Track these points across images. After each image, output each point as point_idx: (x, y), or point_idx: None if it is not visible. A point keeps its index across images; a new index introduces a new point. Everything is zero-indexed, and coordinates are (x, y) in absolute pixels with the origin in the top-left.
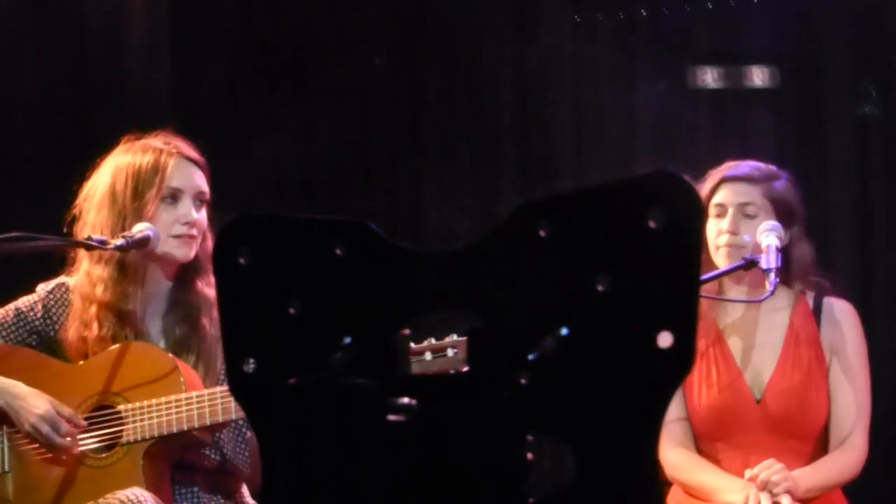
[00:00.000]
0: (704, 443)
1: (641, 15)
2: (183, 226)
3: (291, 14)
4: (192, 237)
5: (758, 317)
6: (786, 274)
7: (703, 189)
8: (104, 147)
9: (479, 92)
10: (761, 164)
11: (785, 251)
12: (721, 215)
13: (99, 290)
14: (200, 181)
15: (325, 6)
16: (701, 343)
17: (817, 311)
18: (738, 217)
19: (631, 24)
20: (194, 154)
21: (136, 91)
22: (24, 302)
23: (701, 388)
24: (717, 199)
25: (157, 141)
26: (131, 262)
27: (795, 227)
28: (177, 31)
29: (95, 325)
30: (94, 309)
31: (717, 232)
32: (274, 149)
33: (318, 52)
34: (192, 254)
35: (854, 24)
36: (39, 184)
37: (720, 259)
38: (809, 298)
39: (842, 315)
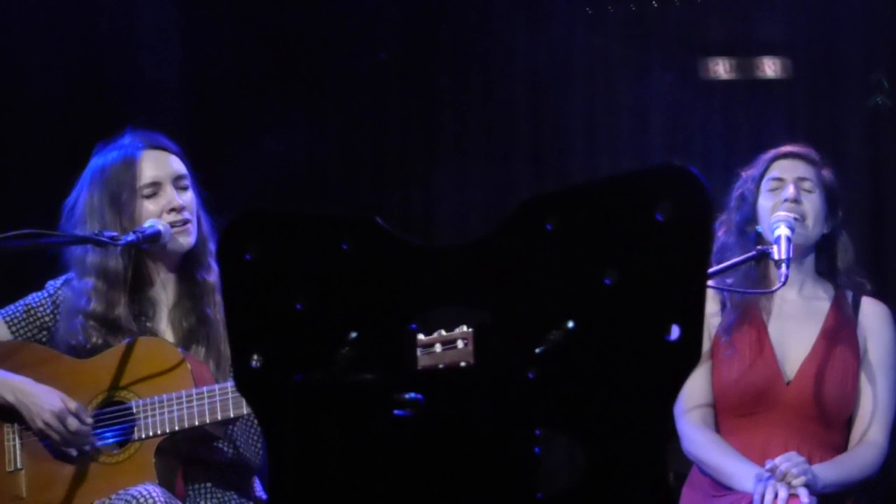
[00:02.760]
0: (728, 418)
1: (653, 7)
2: (170, 213)
3: (304, 8)
4: (185, 221)
5: (799, 302)
6: (830, 264)
7: (755, 170)
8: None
9: (490, 85)
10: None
11: (829, 242)
12: (778, 189)
13: (83, 301)
14: (176, 166)
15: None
16: (741, 319)
17: (856, 307)
18: (798, 189)
19: (642, 16)
20: (163, 141)
21: (148, 88)
22: (34, 298)
23: (733, 361)
24: (772, 174)
25: (122, 141)
26: (113, 268)
27: (840, 215)
28: (187, 26)
29: (82, 336)
30: (80, 318)
31: (774, 204)
32: (286, 144)
33: (331, 46)
34: (193, 238)
35: (866, 14)
36: (51, 181)
37: (778, 232)
38: (849, 295)
39: (878, 315)
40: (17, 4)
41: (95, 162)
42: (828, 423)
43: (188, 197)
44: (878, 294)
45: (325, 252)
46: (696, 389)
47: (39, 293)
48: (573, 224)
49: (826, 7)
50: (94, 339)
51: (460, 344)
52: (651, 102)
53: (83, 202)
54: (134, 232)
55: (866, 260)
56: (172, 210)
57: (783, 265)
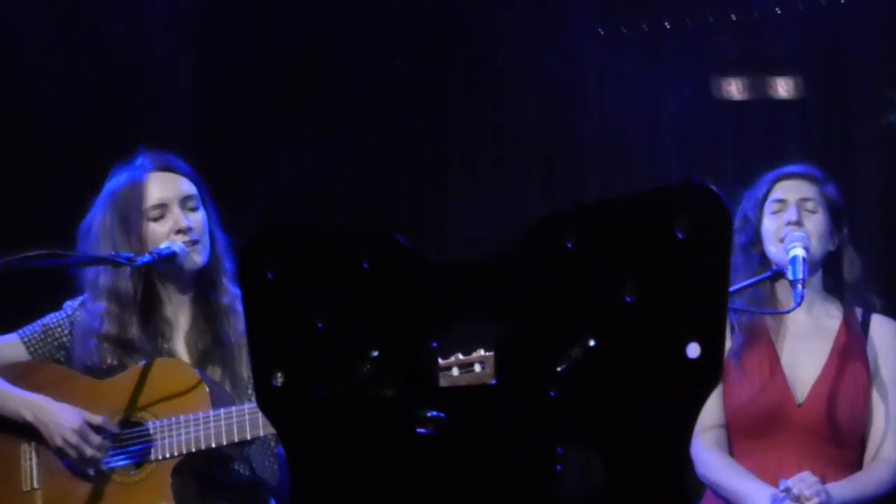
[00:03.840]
0: (741, 441)
1: (665, 27)
2: (178, 234)
3: (318, 23)
4: (194, 241)
5: (808, 323)
6: (837, 281)
7: (758, 191)
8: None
9: (504, 103)
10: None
11: (835, 258)
12: (781, 211)
13: (96, 323)
14: (184, 186)
15: (350, 16)
16: (750, 341)
17: (865, 325)
18: (800, 211)
19: (655, 35)
20: (172, 162)
21: (161, 106)
22: (52, 318)
23: (743, 384)
24: (775, 195)
25: (134, 162)
26: (124, 290)
27: (845, 231)
28: (200, 42)
29: (97, 357)
30: (94, 341)
31: (777, 226)
32: (299, 159)
33: (344, 63)
34: (204, 258)
35: (878, 33)
36: (68, 202)
37: (782, 254)
38: (859, 313)
39: (889, 333)
40: (32, 26)
41: (108, 185)
42: (840, 442)
43: (197, 217)
44: (889, 311)
45: (345, 270)
46: (708, 411)
47: (57, 313)
48: (593, 242)
49: (838, 26)
50: (109, 361)
51: (477, 368)
52: (664, 122)
53: (97, 224)
54: (150, 253)
55: (879, 278)
56: (179, 231)
57: (799, 285)
